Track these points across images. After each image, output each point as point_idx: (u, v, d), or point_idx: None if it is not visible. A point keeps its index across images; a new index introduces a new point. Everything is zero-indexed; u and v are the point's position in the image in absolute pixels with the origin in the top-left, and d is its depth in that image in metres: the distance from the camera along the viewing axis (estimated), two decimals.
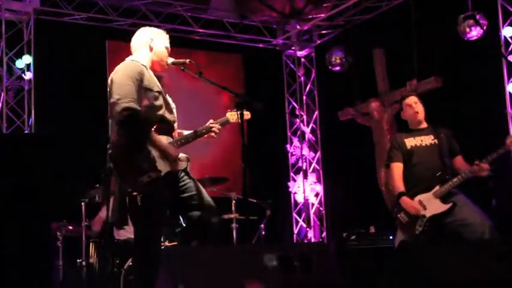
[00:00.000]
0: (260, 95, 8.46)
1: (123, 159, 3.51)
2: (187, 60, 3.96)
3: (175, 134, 3.86)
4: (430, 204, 4.74)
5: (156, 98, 3.65)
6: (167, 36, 3.97)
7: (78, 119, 7.28)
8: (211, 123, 3.95)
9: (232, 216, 6.05)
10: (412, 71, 7.03)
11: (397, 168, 4.94)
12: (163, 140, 3.65)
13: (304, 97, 9.19)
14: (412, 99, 4.97)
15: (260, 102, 3.88)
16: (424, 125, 4.99)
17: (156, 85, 3.70)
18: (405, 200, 4.79)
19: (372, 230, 6.63)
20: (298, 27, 8.96)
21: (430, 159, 4.83)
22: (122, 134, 3.49)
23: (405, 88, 7.14)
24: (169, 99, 3.86)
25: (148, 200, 3.49)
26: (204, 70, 4.03)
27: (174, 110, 3.87)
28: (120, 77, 3.59)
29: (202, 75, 3.94)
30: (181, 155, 3.76)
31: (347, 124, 7.97)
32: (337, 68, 8.23)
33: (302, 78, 9.23)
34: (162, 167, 3.57)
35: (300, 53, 9.24)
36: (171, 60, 3.98)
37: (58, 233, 6.03)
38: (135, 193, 3.55)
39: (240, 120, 3.77)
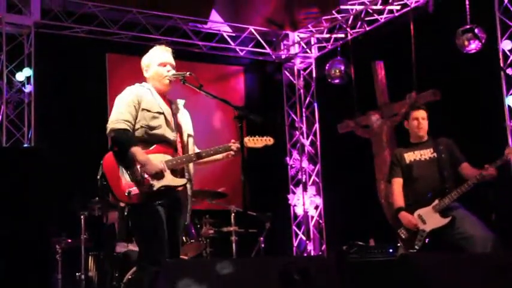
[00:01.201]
0: (260, 108, 8.53)
1: (111, 173, 3.71)
2: (188, 73, 3.99)
3: (180, 152, 3.92)
4: (429, 218, 4.76)
5: (155, 118, 3.80)
6: (163, 51, 4.05)
7: (78, 132, 7.31)
8: (232, 143, 4.01)
9: (231, 229, 6.05)
10: (411, 84, 7.07)
11: (397, 184, 4.98)
12: (159, 158, 3.76)
13: (304, 109, 9.22)
14: (421, 114, 4.98)
15: (260, 114, 3.90)
16: (425, 138, 5.02)
17: (157, 106, 3.84)
18: (403, 215, 4.83)
19: (372, 242, 6.64)
20: (297, 39, 9.01)
21: (429, 173, 4.86)
22: (113, 151, 3.76)
23: (405, 101, 7.17)
24: (181, 120, 3.98)
25: (138, 213, 3.71)
26: (205, 83, 4.06)
27: (186, 132, 3.98)
28: (117, 101, 3.86)
29: (202, 88, 3.96)
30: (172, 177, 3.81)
31: (346, 137, 7.99)
32: (337, 81, 8.26)
33: (302, 91, 9.27)
34: (155, 182, 3.70)
35: (299, 66, 9.28)
36: (171, 73, 4.02)
37: (57, 246, 6.03)
38: (122, 204, 3.79)
39: (256, 146, 4.02)
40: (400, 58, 7.28)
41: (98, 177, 3.75)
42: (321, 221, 8.93)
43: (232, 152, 4.02)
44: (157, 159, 3.76)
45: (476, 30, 6.44)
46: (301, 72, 9.30)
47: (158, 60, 4.00)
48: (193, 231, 5.81)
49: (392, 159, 5.11)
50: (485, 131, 6.55)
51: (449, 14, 6.87)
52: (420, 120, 4.96)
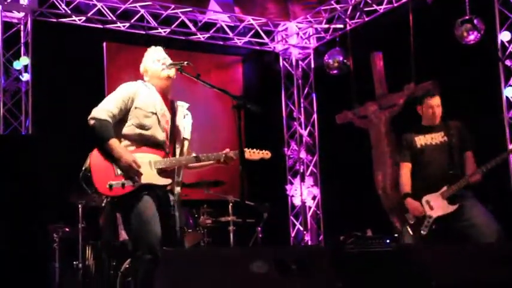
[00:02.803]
0: (258, 98, 8.52)
1: (97, 166, 3.71)
2: (185, 62, 3.98)
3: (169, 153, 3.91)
4: (437, 204, 4.77)
5: (147, 117, 3.79)
6: (155, 50, 4.02)
7: (75, 121, 7.28)
8: (225, 152, 4.01)
9: (229, 219, 6.08)
10: (410, 75, 7.06)
11: (406, 168, 4.98)
12: (149, 157, 3.76)
13: (302, 100, 9.22)
14: (436, 102, 4.97)
15: (258, 105, 3.90)
16: (437, 121, 4.99)
17: (151, 106, 3.82)
18: (409, 201, 4.85)
19: (369, 233, 6.64)
20: (296, 30, 9.00)
21: (439, 158, 4.84)
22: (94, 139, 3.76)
23: (403, 92, 7.17)
24: (180, 123, 3.97)
25: (125, 202, 3.70)
26: (203, 72, 4.05)
27: (182, 135, 3.96)
28: (112, 94, 3.85)
29: (200, 77, 3.96)
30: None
31: (345, 127, 8.00)
32: (335, 71, 8.25)
33: (300, 81, 9.26)
34: (141, 178, 3.70)
35: (297, 56, 9.27)
36: (168, 62, 4.01)
37: (55, 235, 6.04)
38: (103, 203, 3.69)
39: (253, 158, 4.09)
40: (399, 49, 7.27)
41: (83, 168, 3.74)
42: (318, 212, 8.95)
43: (221, 160, 4.00)
44: (147, 158, 3.76)
45: (475, 21, 6.43)
46: (300, 62, 9.29)
47: (151, 59, 3.97)
48: (191, 221, 5.83)
49: (402, 143, 5.07)
50: (484, 122, 6.56)
51: (448, 5, 6.85)
52: (435, 108, 4.95)
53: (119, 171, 3.69)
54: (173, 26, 8.28)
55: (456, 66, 6.78)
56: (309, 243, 8.74)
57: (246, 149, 4.02)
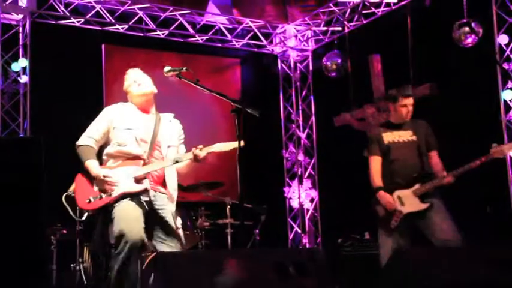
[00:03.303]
0: (256, 100, 8.53)
1: (80, 184, 4.15)
2: (184, 68, 4.07)
3: (149, 162, 4.16)
4: (408, 201, 4.81)
5: (124, 135, 4.13)
6: (131, 72, 4.32)
7: (73, 123, 7.29)
8: (198, 148, 4.17)
9: (227, 221, 6.09)
10: (408, 77, 7.08)
11: (375, 162, 5.01)
12: (124, 169, 4.07)
13: (300, 102, 9.24)
14: (410, 101, 4.99)
15: (256, 107, 3.92)
16: (407, 120, 5.02)
17: (128, 123, 4.15)
18: (382, 195, 4.88)
19: (367, 236, 6.67)
20: (294, 32, 9.02)
21: (408, 156, 4.89)
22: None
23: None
24: (163, 133, 4.24)
25: (101, 216, 4.12)
26: (201, 75, 4.09)
27: (166, 143, 4.23)
28: (97, 117, 4.26)
29: (198, 82, 4.03)
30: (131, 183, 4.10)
31: (343, 130, 8.01)
32: (333, 74, 8.27)
33: (298, 84, 9.28)
34: (116, 189, 4.03)
35: (295, 58, 9.29)
36: (167, 68, 4.10)
37: (52, 237, 6.05)
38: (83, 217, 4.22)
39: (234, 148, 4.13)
40: (397, 51, 7.30)
41: (68, 190, 4.13)
42: (316, 214, 8.96)
43: (192, 156, 4.14)
44: (123, 171, 4.07)
45: (473, 24, 6.45)
46: (298, 65, 9.31)
47: (129, 81, 4.27)
48: (189, 223, 5.84)
49: (371, 137, 5.11)
50: (481, 125, 6.58)
51: (446, 8, 6.88)
52: (409, 107, 4.98)
53: (96, 188, 4.07)
54: (171, 28, 8.29)
55: (454, 69, 6.80)
56: (307, 245, 8.75)
57: (216, 144, 4.22)
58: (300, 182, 9.03)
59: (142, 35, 8.23)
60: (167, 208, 4.16)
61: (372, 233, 6.50)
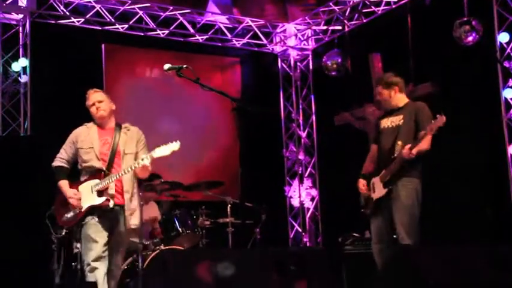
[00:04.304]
0: (256, 99, 8.54)
1: (60, 202, 4.69)
2: (184, 66, 4.09)
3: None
4: (377, 187, 4.89)
5: (87, 153, 4.67)
6: (90, 94, 4.82)
7: (73, 123, 7.29)
8: (142, 158, 4.57)
9: (228, 220, 6.08)
10: (408, 76, 7.07)
11: (372, 150, 5.12)
12: (90, 184, 4.60)
13: (301, 101, 9.24)
14: (375, 92, 5.08)
15: (257, 106, 3.93)
16: (401, 104, 5.00)
17: (89, 142, 4.69)
18: (359, 182, 5.01)
19: (367, 234, 6.66)
20: (294, 31, 9.02)
21: (387, 141, 4.91)
22: None
23: None
24: (121, 143, 4.70)
25: (74, 232, 4.69)
26: (201, 74, 4.10)
27: (122, 152, 4.68)
28: (66, 140, 4.83)
29: (199, 80, 4.04)
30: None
31: (343, 128, 8.01)
32: (334, 73, 8.26)
33: (298, 83, 9.28)
34: (83, 203, 4.58)
35: (296, 57, 9.29)
36: (167, 66, 4.14)
37: (53, 237, 6.04)
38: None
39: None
40: (398, 50, 7.29)
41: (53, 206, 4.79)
42: (316, 213, 8.96)
43: (139, 166, 4.54)
44: (88, 185, 4.60)
45: (473, 23, 6.45)
46: (298, 64, 9.31)
47: (88, 105, 4.78)
48: (189, 222, 5.85)
49: (375, 125, 5.23)
50: (482, 123, 6.58)
51: (446, 6, 6.88)
52: (377, 96, 5.06)
53: (69, 205, 4.60)
54: (172, 28, 8.29)
55: (455, 67, 6.80)
56: (308, 244, 8.74)
57: (156, 149, 4.53)
58: (301, 181, 9.03)
59: (142, 34, 8.23)
60: (125, 215, 4.65)
61: (371, 232, 6.49)
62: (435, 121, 4.54)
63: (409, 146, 4.65)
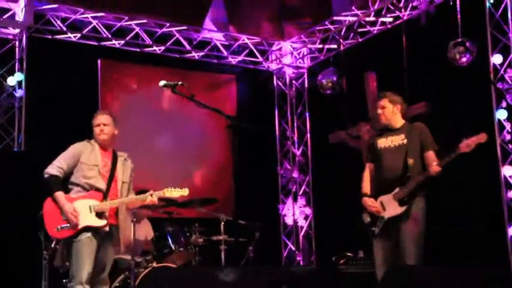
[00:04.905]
0: (251, 117, 8.54)
1: (49, 212, 4.66)
2: (179, 83, 4.13)
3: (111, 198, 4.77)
4: (389, 205, 4.84)
5: (90, 170, 4.72)
6: (97, 115, 4.90)
7: (68, 137, 7.29)
8: (150, 193, 4.81)
9: (221, 237, 6.06)
10: (403, 95, 7.10)
11: (367, 169, 5.12)
12: (88, 202, 4.65)
13: (296, 119, 9.26)
14: (380, 105, 5.05)
15: (252, 124, 3.95)
16: (399, 124, 5.04)
17: (94, 160, 4.76)
18: (366, 200, 4.93)
19: (361, 254, 6.65)
20: (290, 49, 9.07)
21: (394, 160, 4.90)
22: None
23: None
24: (119, 170, 4.83)
25: (69, 243, 4.63)
26: (197, 91, 4.13)
27: (120, 180, 4.82)
28: (66, 151, 4.82)
29: (194, 97, 4.09)
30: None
31: (338, 147, 8.02)
32: (329, 91, 8.29)
33: (293, 101, 9.30)
34: (81, 221, 4.59)
35: (291, 75, 9.33)
36: (162, 82, 4.17)
37: (44, 252, 5.99)
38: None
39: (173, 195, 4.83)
40: (392, 70, 7.33)
41: (40, 214, 4.71)
42: (310, 232, 8.94)
43: (147, 202, 4.81)
44: (86, 203, 4.64)
45: (467, 44, 6.51)
46: (293, 82, 9.34)
47: (93, 123, 4.86)
48: (182, 239, 5.83)
49: (368, 144, 5.22)
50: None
51: (441, 27, 6.94)
52: (379, 109, 5.04)
53: (64, 217, 4.59)
54: (168, 44, 8.33)
55: (449, 87, 6.85)
56: (301, 263, 8.72)
57: (166, 189, 4.80)
58: (295, 199, 9.02)
59: (138, 50, 8.26)
60: (110, 251, 4.79)
61: (366, 251, 6.49)
62: (476, 137, 4.61)
63: (436, 162, 4.70)
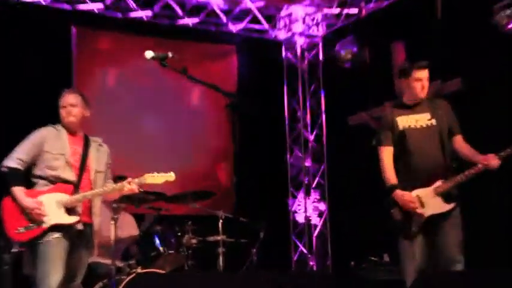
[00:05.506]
0: (255, 95, 8.53)
1: (8, 212, 4.67)
2: (170, 54, 4.10)
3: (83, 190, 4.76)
4: (429, 201, 4.75)
5: (55, 160, 4.71)
6: (64, 94, 4.88)
7: (33, 123, 7.30)
8: (128, 181, 4.79)
9: (219, 238, 6.06)
10: (435, 69, 7.06)
11: (388, 153, 4.93)
12: (55, 197, 4.65)
13: (308, 98, 9.24)
14: (425, 74, 4.91)
15: (256, 104, 3.95)
16: (422, 98, 4.95)
17: (59, 148, 4.74)
18: (399, 194, 4.78)
19: (386, 258, 6.66)
20: (302, 15, 9.03)
21: (428, 145, 4.82)
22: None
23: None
24: (92, 158, 4.85)
25: (30, 248, 4.68)
26: (190, 64, 4.11)
27: (94, 169, 4.83)
28: (26, 139, 4.79)
29: (187, 71, 4.07)
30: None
31: (358, 131, 8.00)
32: (348, 65, 8.29)
33: (306, 76, 9.28)
34: (47, 219, 4.59)
35: (303, 46, 9.29)
36: (149, 54, 4.14)
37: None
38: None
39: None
40: (424, 39, 7.29)
41: None
42: (325, 231, 8.96)
43: (126, 191, 4.80)
44: (52, 198, 4.63)
45: None
46: (306, 53, 9.32)
47: (60, 104, 4.84)
48: (172, 240, 5.84)
49: (383, 122, 5.05)
50: None
51: None
52: (424, 81, 4.90)
53: (26, 216, 4.59)
54: (156, 9, 8.29)
55: (492, 60, 6.78)
56: (314, 268, 8.74)
57: (147, 174, 4.81)
58: (307, 193, 9.03)
59: (120, 16, 8.22)
60: (82, 251, 4.78)
61: (392, 255, 6.48)
62: None
63: (494, 155, 4.65)
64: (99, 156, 4.89)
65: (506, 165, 4.68)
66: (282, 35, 9.23)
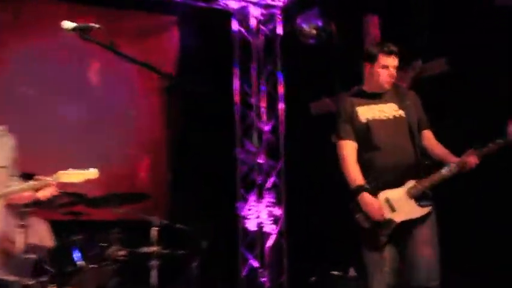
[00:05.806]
0: (199, 75, 8.50)
1: None
2: (93, 25, 4.02)
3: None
4: (401, 205, 4.79)
5: None
6: None
7: None
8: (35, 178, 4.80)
9: (152, 249, 6.04)
10: (416, 47, 7.13)
11: (350, 148, 4.98)
12: None
13: (263, 81, 9.25)
14: (394, 62, 4.98)
15: (199, 86, 3.93)
16: (387, 88, 5.02)
17: None
18: (365, 198, 4.81)
19: (353, 272, 6.72)
20: None
21: (396, 139, 4.87)
22: None
23: (407, 71, 7.21)
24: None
25: None
26: (122, 38, 4.05)
27: None
28: None
29: (114, 46, 4.03)
30: None
31: (322, 121, 8.02)
32: (312, 41, 8.32)
33: (260, 54, 9.28)
34: None
35: (259, 17, 9.29)
36: (68, 24, 4.04)
37: None
38: None
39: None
40: (402, 12, 7.34)
41: None
42: (281, 241, 8.99)
43: (39, 195, 4.82)
44: None
45: None
46: (261, 27, 9.33)
47: None
48: (94, 252, 5.79)
49: (339, 112, 5.09)
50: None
51: None
52: (391, 70, 4.97)
53: None
54: None
55: (480, 38, 6.84)
56: (267, 285, 8.76)
57: (61, 172, 4.79)
58: (260, 195, 9.05)
59: None
60: None
61: (359, 269, 6.54)
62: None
63: (473, 151, 4.70)
64: (1, 148, 4.86)
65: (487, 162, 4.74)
66: (233, 4, 9.23)
